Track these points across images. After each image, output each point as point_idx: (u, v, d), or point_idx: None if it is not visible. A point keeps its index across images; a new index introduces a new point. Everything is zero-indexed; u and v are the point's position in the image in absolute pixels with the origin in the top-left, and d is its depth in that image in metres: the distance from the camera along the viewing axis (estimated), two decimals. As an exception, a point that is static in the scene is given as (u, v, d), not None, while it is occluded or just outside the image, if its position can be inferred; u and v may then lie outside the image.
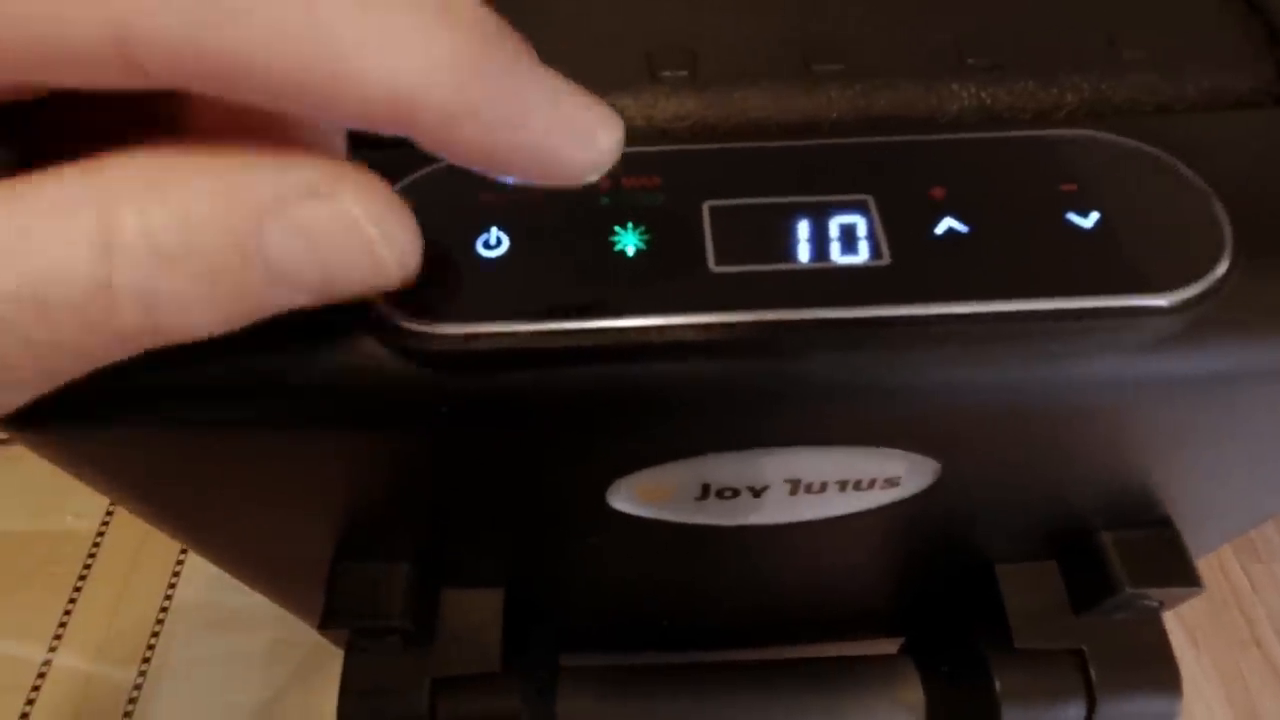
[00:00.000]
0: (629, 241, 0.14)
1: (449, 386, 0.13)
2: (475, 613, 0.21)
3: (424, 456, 0.16)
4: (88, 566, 0.44)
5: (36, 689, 0.41)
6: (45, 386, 0.10)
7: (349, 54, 0.09)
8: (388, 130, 0.10)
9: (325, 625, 0.19)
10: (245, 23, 0.09)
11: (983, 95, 0.17)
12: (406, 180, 0.15)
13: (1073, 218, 0.14)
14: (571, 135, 0.11)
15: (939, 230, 0.14)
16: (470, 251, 0.14)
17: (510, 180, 0.11)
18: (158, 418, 0.14)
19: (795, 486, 0.17)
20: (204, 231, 0.09)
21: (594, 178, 0.11)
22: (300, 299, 0.11)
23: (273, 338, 0.12)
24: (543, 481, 0.17)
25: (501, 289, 0.14)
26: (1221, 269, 0.14)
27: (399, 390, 0.14)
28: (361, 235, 0.11)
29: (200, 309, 0.10)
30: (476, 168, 0.11)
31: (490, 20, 0.10)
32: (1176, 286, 0.14)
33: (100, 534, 0.45)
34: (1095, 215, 0.14)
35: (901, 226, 0.14)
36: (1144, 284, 0.14)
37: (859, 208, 0.14)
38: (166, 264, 0.09)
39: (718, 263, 0.14)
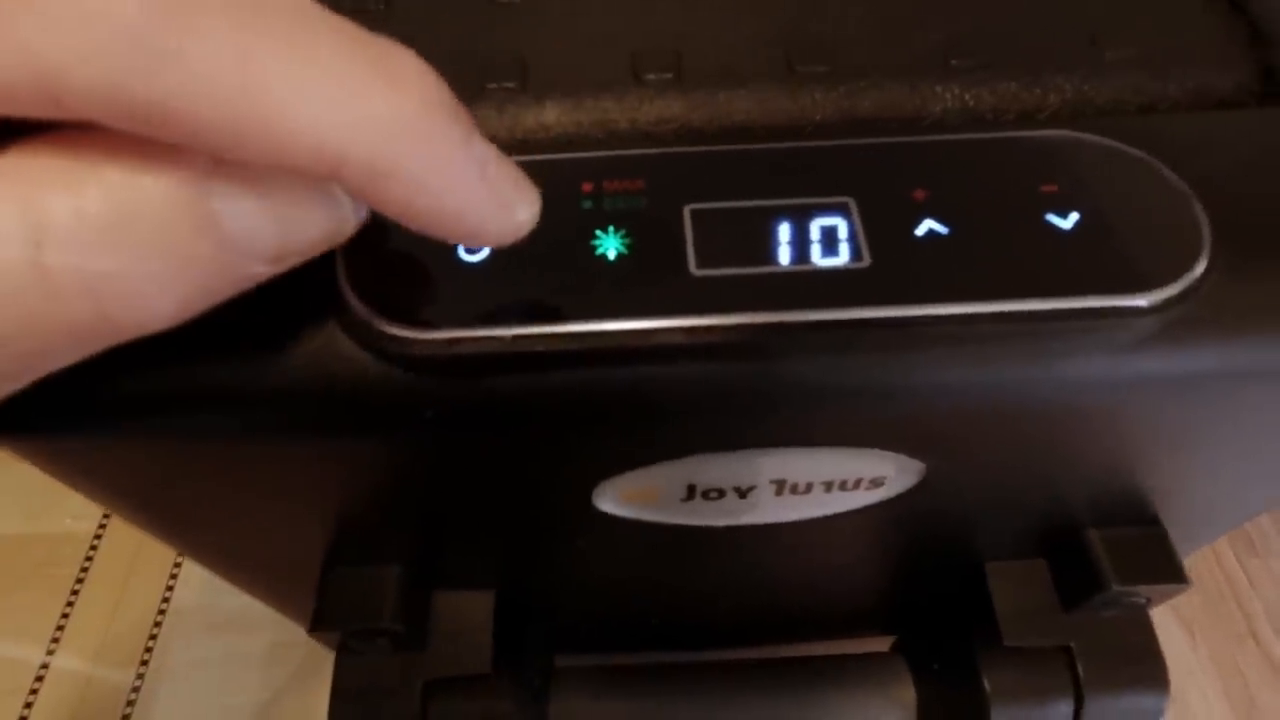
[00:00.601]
0: (610, 245, 0.14)
1: (432, 392, 0.14)
2: (467, 614, 0.21)
3: (409, 461, 0.16)
4: (85, 569, 0.44)
5: (34, 691, 0.41)
6: (5, 389, 0.10)
7: (279, 108, 0.09)
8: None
9: (316, 628, 0.19)
10: (176, 74, 0.08)
11: (966, 97, 0.17)
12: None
13: (1052, 218, 0.14)
14: (493, 206, 0.11)
15: (920, 232, 0.14)
16: (452, 256, 0.14)
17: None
18: (140, 426, 0.14)
19: (781, 487, 0.17)
20: (145, 198, 0.09)
21: (503, 245, 0.12)
22: (258, 267, 0.10)
23: (255, 345, 0.12)
24: (528, 485, 0.17)
25: (483, 293, 0.14)
26: (1200, 269, 0.14)
27: (383, 396, 0.14)
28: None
29: (151, 291, 0.09)
30: (398, 221, 0.11)
31: (430, 83, 0.10)
32: (1155, 286, 0.14)
33: (98, 536, 0.45)
34: (1075, 216, 0.14)
35: (882, 228, 0.14)
36: (1123, 284, 0.14)
37: (840, 210, 0.15)
38: (106, 240, 0.09)
39: (699, 266, 0.14)
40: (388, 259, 0.14)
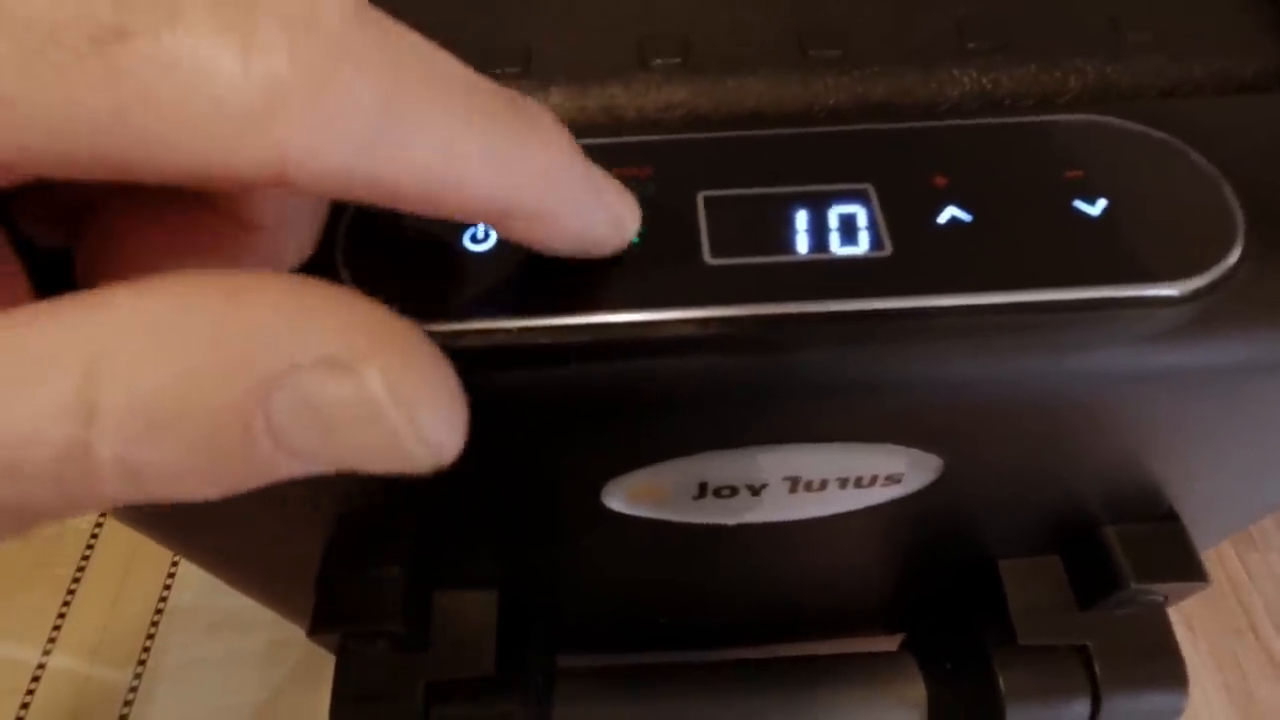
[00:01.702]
0: None
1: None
2: (469, 615, 0.21)
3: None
4: (82, 568, 0.44)
5: (31, 692, 0.40)
6: (12, 536, 0.09)
7: (471, 176, 0.10)
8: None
9: (315, 631, 0.18)
10: (401, 160, 0.09)
11: (984, 80, 0.16)
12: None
13: (1079, 205, 0.14)
14: (611, 224, 0.13)
15: (941, 219, 0.14)
16: (457, 245, 0.14)
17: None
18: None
19: (795, 484, 0.17)
20: (201, 400, 0.08)
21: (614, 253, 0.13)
22: (314, 469, 0.09)
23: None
24: (535, 482, 0.17)
25: (488, 283, 0.13)
26: (1233, 257, 0.13)
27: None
28: (386, 423, 0.09)
29: (194, 480, 0.09)
30: (530, 247, 0.12)
31: (564, 133, 0.11)
32: (1186, 275, 0.13)
33: (95, 535, 0.45)
34: (1102, 202, 0.14)
35: (902, 216, 0.14)
36: (1153, 273, 0.13)
37: (859, 197, 0.14)
38: (155, 432, 0.08)
39: (713, 255, 0.13)
40: (388, 248, 0.13)
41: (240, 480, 0.09)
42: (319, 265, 0.13)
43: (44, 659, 0.41)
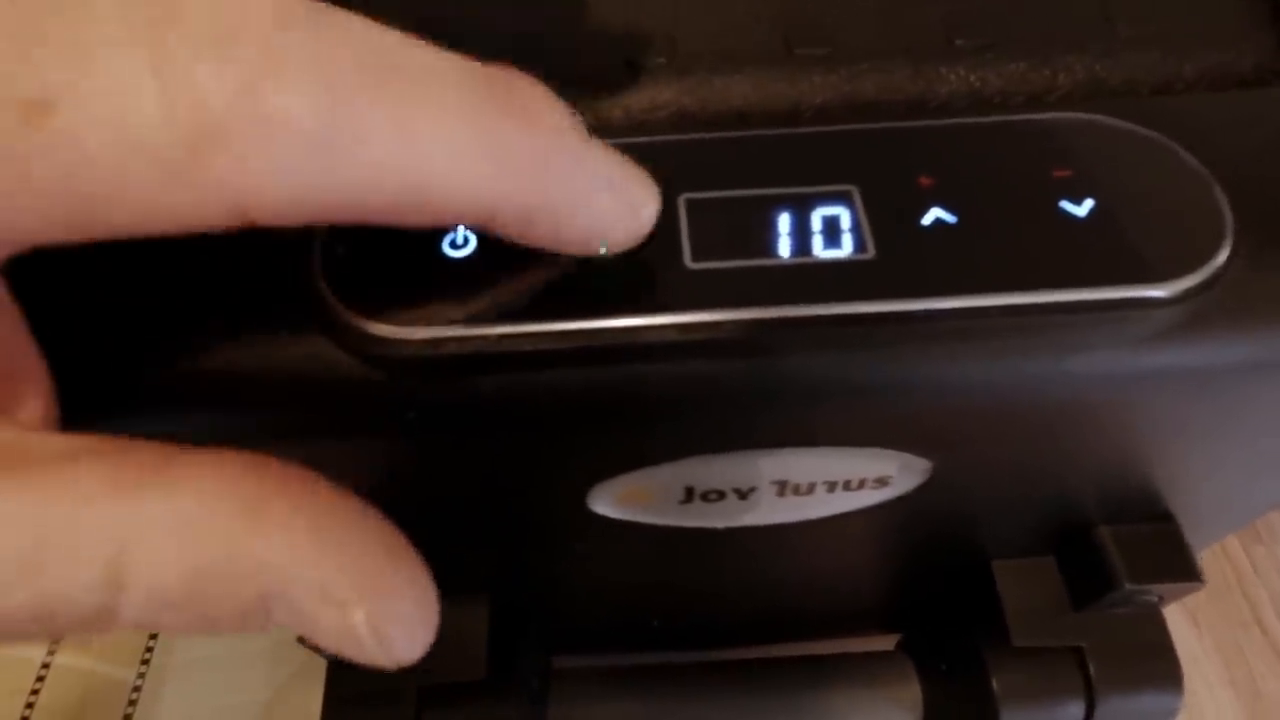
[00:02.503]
0: None
1: (415, 393, 0.13)
2: (460, 619, 0.21)
3: (393, 465, 0.16)
4: (86, 568, 0.44)
5: (36, 691, 0.41)
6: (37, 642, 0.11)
7: (440, 176, 0.09)
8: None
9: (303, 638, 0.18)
10: (354, 168, 0.09)
11: (972, 78, 0.16)
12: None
13: (1066, 205, 0.14)
14: (624, 212, 0.11)
15: (926, 221, 0.14)
16: (437, 251, 0.13)
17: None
18: (113, 432, 0.13)
19: (782, 488, 0.17)
20: (210, 595, 0.10)
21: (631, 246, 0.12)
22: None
23: (226, 346, 0.12)
24: (520, 487, 0.17)
25: (468, 290, 0.13)
26: (1222, 257, 0.13)
27: (363, 398, 0.13)
28: (356, 642, 0.10)
29: (190, 631, 0.10)
30: (543, 248, 0.11)
31: (557, 108, 0.10)
32: (1175, 276, 0.13)
33: (97, 535, 0.45)
34: (1090, 202, 0.14)
35: (887, 218, 0.14)
36: (1141, 274, 0.13)
37: (842, 199, 0.14)
38: (170, 609, 0.10)
39: (694, 259, 0.13)
40: (366, 253, 0.13)
41: (227, 631, 0.10)
42: (294, 274, 0.13)
43: (49, 658, 0.41)
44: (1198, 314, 0.13)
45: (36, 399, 0.11)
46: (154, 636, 0.42)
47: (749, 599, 0.26)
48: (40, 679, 0.41)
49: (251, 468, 0.10)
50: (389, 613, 0.10)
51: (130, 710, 0.40)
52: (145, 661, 0.41)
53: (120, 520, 0.09)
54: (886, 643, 0.30)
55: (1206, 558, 0.45)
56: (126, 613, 0.09)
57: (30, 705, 0.40)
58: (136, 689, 0.40)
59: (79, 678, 0.41)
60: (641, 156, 0.15)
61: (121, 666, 0.41)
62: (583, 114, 0.16)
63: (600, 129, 0.16)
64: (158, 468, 0.10)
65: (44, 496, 0.09)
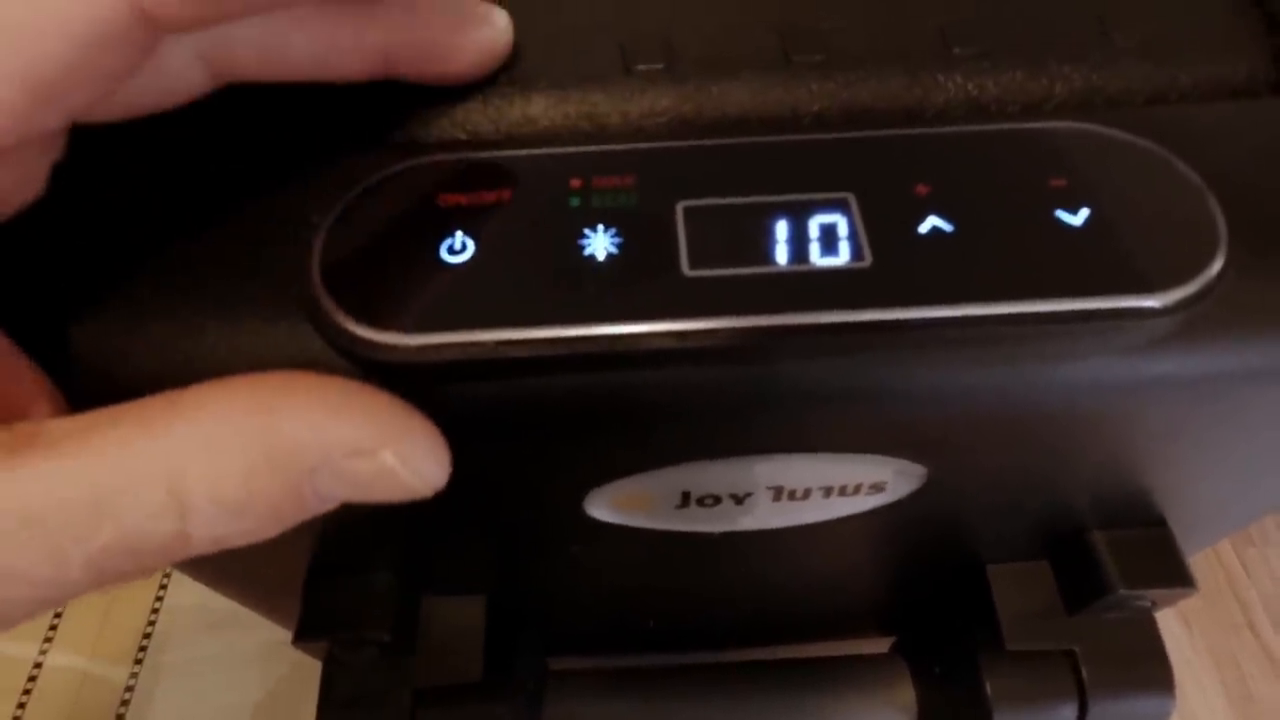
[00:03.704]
0: (600, 245, 0.14)
1: (412, 399, 0.13)
2: (457, 621, 0.21)
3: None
4: (79, 566, 0.44)
5: (28, 691, 0.40)
6: (136, 579, 0.12)
7: None
8: None
9: (300, 639, 0.18)
10: None
11: (969, 87, 0.16)
12: (369, 181, 0.14)
13: (1061, 215, 0.14)
14: (465, 21, 0.14)
15: (923, 229, 0.14)
16: (434, 256, 0.13)
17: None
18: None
19: (778, 493, 0.17)
20: (263, 489, 0.11)
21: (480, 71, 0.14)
22: (344, 501, 0.13)
23: (222, 350, 0.12)
24: (517, 492, 0.17)
25: (465, 295, 0.13)
26: (1216, 267, 0.13)
27: (360, 404, 0.13)
28: (396, 479, 0.12)
29: (263, 532, 0.12)
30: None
31: None
32: (1169, 286, 0.13)
33: (91, 534, 0.45)
34: (1085, 212, 0.14)
35: (884, 226, 0.14)
36: (1136, 284, 0.13)
37: (839, 206, 0.14)
38: (233, 515, 0.11)
39: (692, 266, 0.13)
40: (363, 259, 0.13)
41: (293, 521, 0.12)
42: (291, 279, 0.13)
43: (41, 656, 0.41)
44: (1191, 324, 0.13)
45: (47, 403, 0.12)
46: (148, 635, 0.41)
47: (744, 602, 0.26)
48: (32, 678, 0.41)
49: (259, 378, 0.11)
50: (412, 447, 0.12)
51: (123, 710, 0.40)
52: (138, 661, 0.41)
53: (160, 453, 0.11)
54: (881, 645, 0.30)
55: (1198, 560, 0.45)
56: (199, 530, 0.11)
57: (22, 705, 0.40)
58: (129, 688, 0.40)
59: (71, 677, 0.40)
60: (639, 163, 0.15)
61: (114, 666, 0.41)
62: (581, 120, 0.17)
63: (597, 135, 0.16)
64: (173, 402, 0.11)
65: (87, 453, 0.10)
